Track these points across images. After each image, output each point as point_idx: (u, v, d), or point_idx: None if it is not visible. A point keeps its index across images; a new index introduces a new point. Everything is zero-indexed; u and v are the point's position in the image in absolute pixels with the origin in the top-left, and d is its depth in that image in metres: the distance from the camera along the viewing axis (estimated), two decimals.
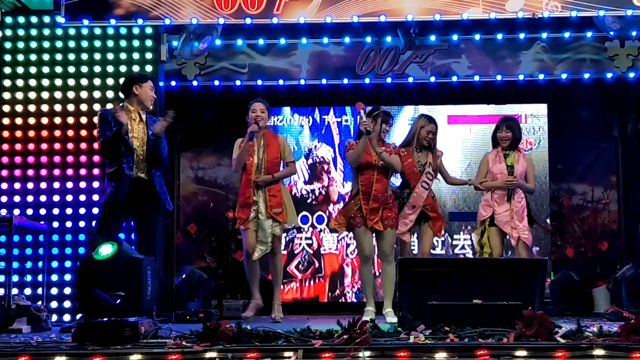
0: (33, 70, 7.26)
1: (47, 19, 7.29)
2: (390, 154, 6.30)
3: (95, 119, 7.00)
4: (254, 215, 6.43)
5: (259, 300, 6.66)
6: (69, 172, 7.10)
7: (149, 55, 7.30)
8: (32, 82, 7.25)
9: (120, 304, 4.49)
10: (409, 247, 6.63)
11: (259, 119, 6.49)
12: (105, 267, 4.53)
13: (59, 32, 7.24)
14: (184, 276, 7.51)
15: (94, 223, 6.80)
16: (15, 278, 6.67)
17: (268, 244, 6.44)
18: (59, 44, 7.29)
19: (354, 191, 6.39)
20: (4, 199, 7.06)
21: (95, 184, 7.03)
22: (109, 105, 6.82)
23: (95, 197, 7.00)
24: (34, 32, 7.31)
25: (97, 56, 7.27)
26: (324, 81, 8.09)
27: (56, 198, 7.05)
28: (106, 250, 4.60)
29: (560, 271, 8.05)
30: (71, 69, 7.26)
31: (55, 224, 7.01)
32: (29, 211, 7.01)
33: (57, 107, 7.20)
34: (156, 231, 6.11)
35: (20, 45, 7.29)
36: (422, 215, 6.57)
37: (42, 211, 7.03)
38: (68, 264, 6.94)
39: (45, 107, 7.21)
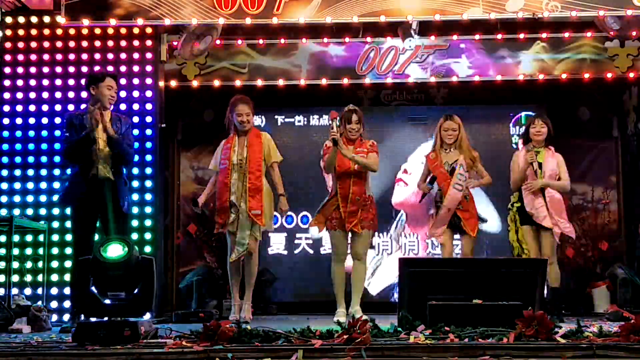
0: (33, 70, 7.27)
1: (47, 19, 7.30)
2: (367, 153, 6.33)
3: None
4: (234, 217, 6.31)
5: (239, 301, 6.55)
6: (69, 172, 7.09)
7: (149, 55, 7.31)
8: (32, 82, 7.26)
9: (126, 303, 4.50)
10: (449, 249, 6.54)
11: (245, 124, 6.37)
12: (116, 267, 4.52)
13: (59, 32, 7.25)
14: (198, 277, 7.44)
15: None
16: (15, 278, 6.67)
17: (245, 245, 6.29)
18: (59, 44, 7.30)
19: (332, 191, 6.41)
20: (4, 199, 7.07)
21: None
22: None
23: None
24: (34, 32, 7.31)
25: (97, 56, 7.28)
26: (324, 81, 8.08)
27: (56, 198, 7.04)
28: (116, 250, 4.59)
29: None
30: (71, 69, 7.27)
31: (55, 224, 7.01)
32: (29, 211, 7.02)
33: (57, 107, 7.21)
34: (121, 232, 5.88)
35: (20, 45, 7.29)
36: (454, 215, 6.51)
37: (42, 211, 7.04)
38: (68, 264, 6.93)
39: (45, 107, 7.22)
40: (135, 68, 7.27)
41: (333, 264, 6.45)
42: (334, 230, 6.35)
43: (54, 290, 6.91)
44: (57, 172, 7.10)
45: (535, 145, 6.59)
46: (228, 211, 6.31)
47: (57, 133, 7.16)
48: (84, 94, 7.21)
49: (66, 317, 6.82)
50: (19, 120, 7.21)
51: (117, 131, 5.92)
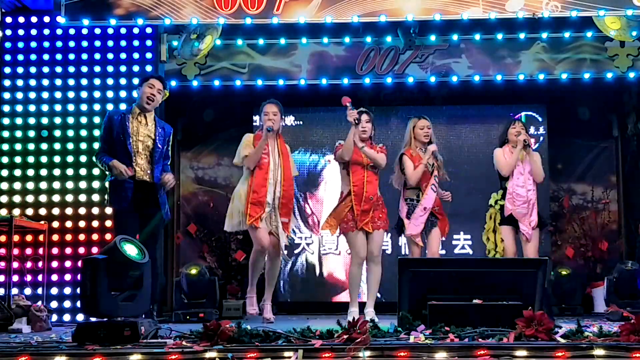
0: (33, 70, 7.28)
1: (47, 19, 7.30)
2: (377, 153, 6.33)
3: (96, 119, 7.06)
4: (267, 215, 6.28)
5: (254, 293, 6.53)
6: (69, 172, 7.11)
7: (149, 55, 7.32)
8: (32, 82, 7.26)
9: (131, 303, 4.52)
10: (420, 249, 6.53)
11: (270, 123, 6.31)
12: (135, 266, 4.56)
13: (59, 32, 7.25)
14: (205, 274, 7.45)
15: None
16: (15, 278, 6.67)
17: (284, 247, 6.35)
18: (59, 44, 7.30)
19: (344, 192, 6.36)
20: (4, 199, 7.08)
21: (95, 184, 7.04)
22: (112, 106, 6.83)
23: (95, 197, 7.02)
24: (34, 32, 7.32)
25: (97, 56, 7.29)
26: (324, 81, 8.07)
27: (56, 198, 7.06)
28: (132, 250, 4.61)
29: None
30: (71, 69, 7.28)
31: (55, 224, 7.01)
32: (29, 211, 7.02)
33: (57, 107, 7.22)
34: (157, 234, 5.98)
35: (20, 45, 7.30)
36: (430, 216, 6.50)
37: (42, 211, 7.04)
38: (68, 264, 6.95)
39: (45, 107, 7.23)
40: (135, 68, 7.28)
41: (353, 267, 6.38)
42: (351, 232, 6.28)
43: (54, 290, 6.91)
44: (57, 172, 7.11)
45: (514, 145, 6.58)
46: (263, 206, 6.26)
47: (57, 133, 7.16)
48: (83, 94, 7.23)
49: (66, 317, 6.83)
50: (19, 120, 7.21)
51: (159, 139, 5.88)
